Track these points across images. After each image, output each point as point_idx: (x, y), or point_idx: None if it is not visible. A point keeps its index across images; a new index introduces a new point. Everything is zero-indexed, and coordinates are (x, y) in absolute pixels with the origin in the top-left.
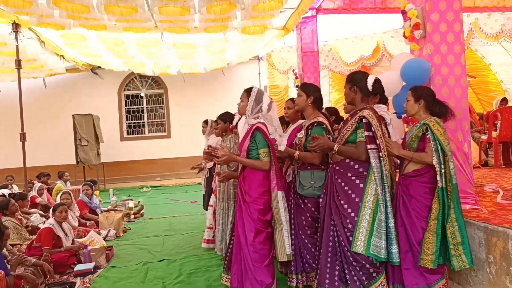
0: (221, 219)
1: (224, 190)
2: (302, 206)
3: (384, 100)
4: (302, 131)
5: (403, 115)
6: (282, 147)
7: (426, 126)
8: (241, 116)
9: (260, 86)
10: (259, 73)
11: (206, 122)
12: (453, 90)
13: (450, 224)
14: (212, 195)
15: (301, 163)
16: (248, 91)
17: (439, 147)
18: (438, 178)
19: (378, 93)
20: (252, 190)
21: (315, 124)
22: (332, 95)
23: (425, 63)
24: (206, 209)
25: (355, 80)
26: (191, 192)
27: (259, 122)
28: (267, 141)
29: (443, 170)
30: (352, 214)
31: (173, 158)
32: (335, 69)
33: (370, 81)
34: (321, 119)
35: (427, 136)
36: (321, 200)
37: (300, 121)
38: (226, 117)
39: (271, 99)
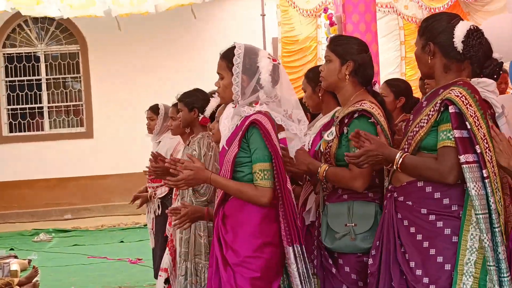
0: None
1: (188, 238)
2: (335, 271)
3: (491, 71)
4: (333, 129)
5: None
6: (293, 148)
7: None
8: (226, 105)
9: (265, 39)
10: (263, 15)
11: (154, 109)
12: None
13: None
14: (167, 249)
15: (331, 190)
16: (226, 56)
17: None
18: None
19: (475, 55)
20: (239, 241)
21: (356, 114)
22: (405, 64)
23: None
24: (157, 277)
25: (432, 32)
26: (132, 243)
27: (257, 113)
28: (269, 148)
29: None
30: (431, 287)
31: (98, 177)
32: (407, 12)
33: (459, 32)
34: (368, 105)
35: None
36: (370, 260)
37: (335, 110)
38: (194, 100)
39: (274, 59)
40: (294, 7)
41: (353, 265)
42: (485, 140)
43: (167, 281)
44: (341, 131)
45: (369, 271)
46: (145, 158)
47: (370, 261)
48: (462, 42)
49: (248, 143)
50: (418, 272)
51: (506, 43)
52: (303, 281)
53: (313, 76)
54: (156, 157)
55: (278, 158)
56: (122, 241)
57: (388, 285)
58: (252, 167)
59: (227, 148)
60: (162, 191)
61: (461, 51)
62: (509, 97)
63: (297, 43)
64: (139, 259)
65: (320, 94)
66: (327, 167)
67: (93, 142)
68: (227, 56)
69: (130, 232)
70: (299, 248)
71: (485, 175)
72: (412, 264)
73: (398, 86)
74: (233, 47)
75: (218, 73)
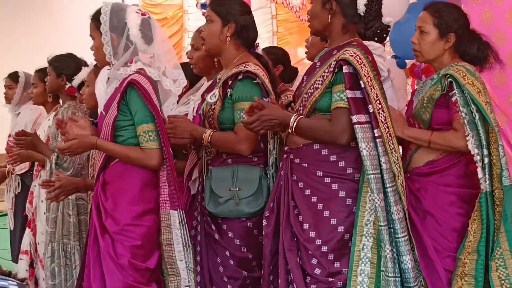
0: (50, 279)
1: (55, 217)
2: (217, 237)
3: (372, 33)
4: (215, 91)
5: (411, 61)
6: (168, 107)
7: (450, 79)
8: (100, 68)
9: None
10: None
11: (13, 77)
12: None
13: (498, 260)
14: (27, 230)
15: (215, 154)
16: (95, 16)
17: (477, 118)
18: (480, 175)
19: (373, 19)
20: (119, 208)
21: (240, 76)
22: (277, 39)
23: None
24: (17, 261)
25: None
26: None
27: (136, 72)
28: (150, 108)
29: (486, 160)
30: (323, 248)
31: None
32: None
33: None
34: (252, 67)
35: (453, 99)
36: (264, 221)
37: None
38: (64, 66)
39: (143, 13)
40: None
41: (237, 230)
42: (378, 101)
43: (31, 264)
44: (224, 93)
45: (263, 232)
46: None
47: (264, 222)
48: (365, 5)
49: (127, 105)
50: (312, 234)
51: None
52: (184, 247)
53: None
54: (21, 134)
55: (160, 119)
56: None
57: (282, 247)
58: (136, 130)
59: (104, 114)
60: (21, 167)
61: (362, 14)
62: (392, 61)
63: (160, 11)
64: None
65: (215, 59)
66: (212, 132)
67: None
68: (95, 16)
69: None
70: (182, 213)
71: (376, 134)
72: (305, 226)
73: (276, 54)
74: (100, 8)
75: (90, 35)
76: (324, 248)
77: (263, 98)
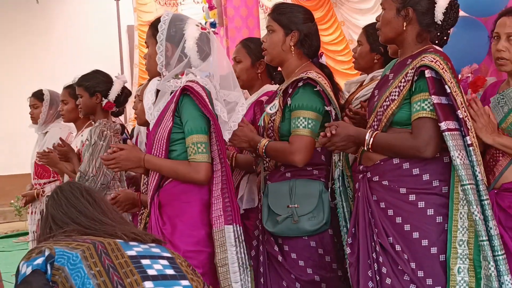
0: None
1: None
2: (281, 259)
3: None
4: (276, 101)
5: (466, 73)
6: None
7: None
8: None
9: (120, 27)
10: (117, 0)
11: (38, 96)
12: None
13: None
14: None
15: (273, 168)
16: (153, 24)
17: None
18: None
19: (448, 28)
20: (178, 234)
21: (300, 83)
22: None
23: None
24: None
25: None
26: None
27: (191, 81)
28: (206, 114)
29: None
30: (420, 273)
31: None
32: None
33: (442, 2)
34: (314, 74)
35: None
36: (348, 249)
37: (268, 87)
38: (95, 83)
39: (204, 28)
40: None
41: (300, 250)
42: (463, 108)
43: None
44: (284, 102)
45: (348, 262)
46: (19, 157)
47: (348, 250)
48: (443, 13)
49: (180, 116)
50: (405, 256)
51: None
52: (240, 268)
53: (255, 48)
54: (59, 145)
55: (217, 125)
56: None
57: (366, 276)
58: (185, 141)
59: (155, 129)
60: (51, 188)
61: (439, 22)
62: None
63: None
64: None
65: (259, 71)
66: (267, 141)
67: None
68: (154, 24)
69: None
70: (239, 228)
71: (469, 142)
72: (398, 247)
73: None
74: (160, 17)
75: (145, 42)
76: (420, 273)
77: (324, 107)
